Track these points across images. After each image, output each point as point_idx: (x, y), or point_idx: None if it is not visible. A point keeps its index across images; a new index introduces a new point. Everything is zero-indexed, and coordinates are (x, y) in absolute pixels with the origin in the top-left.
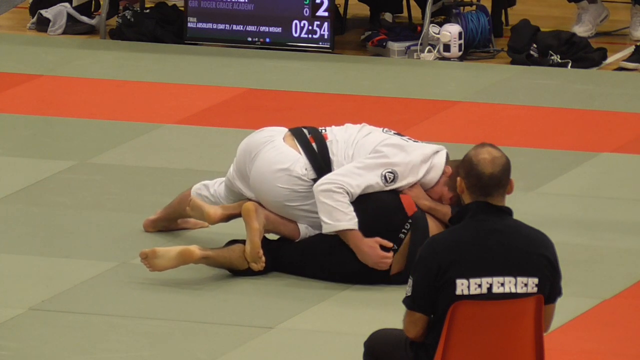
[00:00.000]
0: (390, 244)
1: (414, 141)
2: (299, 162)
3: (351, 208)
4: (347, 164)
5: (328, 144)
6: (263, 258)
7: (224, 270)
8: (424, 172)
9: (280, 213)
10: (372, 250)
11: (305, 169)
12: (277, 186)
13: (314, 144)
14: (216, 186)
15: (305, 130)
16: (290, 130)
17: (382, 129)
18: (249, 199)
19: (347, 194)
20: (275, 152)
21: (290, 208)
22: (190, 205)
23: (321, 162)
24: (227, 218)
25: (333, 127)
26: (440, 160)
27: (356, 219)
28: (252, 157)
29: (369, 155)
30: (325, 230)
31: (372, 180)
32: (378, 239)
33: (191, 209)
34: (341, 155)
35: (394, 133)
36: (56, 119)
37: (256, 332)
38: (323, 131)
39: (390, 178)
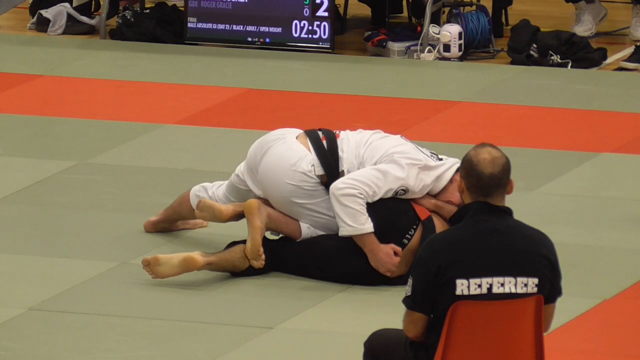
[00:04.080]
0: (400, 251)
1: (432, 153)
2: (306, 158)
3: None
4: (357, 162)
5: (339, 142)
6: (263, 256)
7: None
8: (431, 187)
9: (285, 210)
10: (388, 257)
11: (312, 165)
12: (283, 181)
13: (324, 142)
14: (214, 188)
15: (319, 131)
16: (305, 130)
17: (398, 135)
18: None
19: (365, 199)
20: (284, 147)
21: (296, 205)
22: (199, 207)
23: (329, 159)
24: (238, 215)
25: (347, 130)
26: (450, 173)
27: (372, 223)
28: (262, 152)
29: (391, 164)
30: (347, 232)
31: (386, 194)
32: (393, 245)
33: (200, 210)
34: (351, 154)
35: (410, 142)
36: (56, 119)
37: (256, 332)
38: (337, 132)
39: (401, 194)
